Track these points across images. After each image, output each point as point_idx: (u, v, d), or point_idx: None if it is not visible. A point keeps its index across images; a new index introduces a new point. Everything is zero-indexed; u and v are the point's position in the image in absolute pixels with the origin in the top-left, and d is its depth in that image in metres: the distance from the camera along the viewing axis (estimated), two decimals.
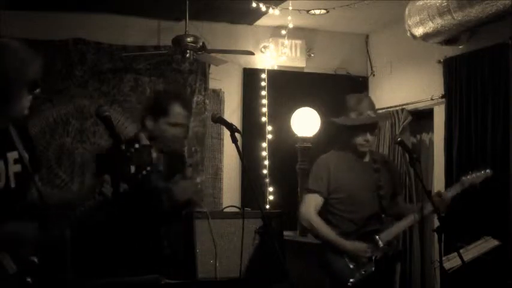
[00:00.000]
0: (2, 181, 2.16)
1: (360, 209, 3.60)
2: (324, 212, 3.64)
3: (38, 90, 2.24)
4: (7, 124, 2.25)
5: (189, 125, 3.80)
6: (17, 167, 2.21)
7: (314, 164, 3.76)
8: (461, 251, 3.34)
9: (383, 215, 3.64)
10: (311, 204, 3.63)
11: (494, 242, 3.74)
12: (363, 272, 3.48)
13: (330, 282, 3.55)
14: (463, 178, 3.62)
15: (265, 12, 5.18)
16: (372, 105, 3.71)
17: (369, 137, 3.61)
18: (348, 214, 3.60)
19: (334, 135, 3.98)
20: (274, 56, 5.77)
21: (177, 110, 3.14)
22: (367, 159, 3.72)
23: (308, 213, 3.60)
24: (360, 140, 3.60)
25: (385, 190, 3.68)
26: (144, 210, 2.98)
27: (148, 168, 2.25)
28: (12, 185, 2.19)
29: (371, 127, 3.64)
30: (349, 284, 3.45)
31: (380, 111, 5.70)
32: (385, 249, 3.55)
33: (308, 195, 3.67)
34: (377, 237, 3.53)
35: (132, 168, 2.22)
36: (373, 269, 3.49)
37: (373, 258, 3.51)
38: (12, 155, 2.21)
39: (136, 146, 2.23)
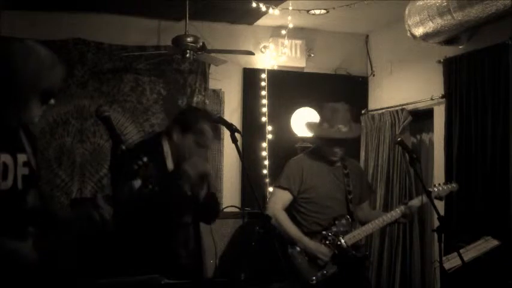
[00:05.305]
0: (10, 181, 2.08)
1: (327, 211, 3.67)
2: (291, 210, 3.70)
3: (52, 101, 2.16)
4: (17, 125, 2.17)
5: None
6: (25, 170, 2.14)
7: (286, 165, 3.83)
8: (461, 251, 3.34)
9: (350, 219, 3.68)
10: (279, 200, 3.70)
11: (494, 242, 3.74)
12: (325, 272, 3.54)
13: (294, 277, 3.55)
14: (429, 190, 3.59)
15: (265, 12, 5.18)
16: (345, 118, 3.70)
17: (337, 150, 3.67)
18: (315, 215, 3.67)
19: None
20: (274, 56, 5.77)
21: (207, 133, 3.00)
22: (338, 163, 3.79)
23: (275, 209, 3.66)
24: (329, 151, 3.68)
25: (353, 195, 3.75)
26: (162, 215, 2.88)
27: (156, 188, 2.21)
28: (20, 186, 2.11)
29: (341, 141, 3.67)
30: (312, 282, 3.51)
31: (380, 111, 5.71)
32: (349, 251, 3.59)
33: (278, 190, 3.74)
34: (341, 238, 3.58)
35: (138, 182, 2.19)
36: (336, 270, 3.54)
37: (335, 260, 3.55)
38: (21, 157, 2.14)
39: (145, 159, 2.20)
